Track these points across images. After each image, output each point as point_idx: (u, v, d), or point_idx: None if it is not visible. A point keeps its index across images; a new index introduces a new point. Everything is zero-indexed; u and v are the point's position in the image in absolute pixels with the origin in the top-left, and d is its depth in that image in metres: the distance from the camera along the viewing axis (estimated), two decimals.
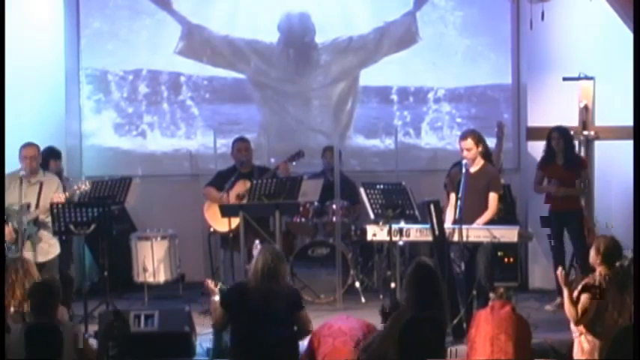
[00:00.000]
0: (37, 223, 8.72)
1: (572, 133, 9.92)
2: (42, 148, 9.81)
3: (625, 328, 5.45)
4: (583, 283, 7.15)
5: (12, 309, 6.80)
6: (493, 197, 8.77)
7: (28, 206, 8.68)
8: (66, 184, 9.43)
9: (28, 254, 8.40)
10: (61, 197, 8.72)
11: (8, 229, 8.61)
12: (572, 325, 7.18)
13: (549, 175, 9.81)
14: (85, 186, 8.94)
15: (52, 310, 6.55)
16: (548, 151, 9.84)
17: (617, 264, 7.13)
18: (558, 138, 9.76)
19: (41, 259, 8.56)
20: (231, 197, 9.82)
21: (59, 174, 9.69)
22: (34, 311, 6.46)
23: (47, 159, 9.83)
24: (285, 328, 6.83)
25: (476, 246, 8.60)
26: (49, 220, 8.72)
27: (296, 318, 6.91)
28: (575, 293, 7.09)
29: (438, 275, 6.93)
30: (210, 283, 7.26)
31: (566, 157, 9.77)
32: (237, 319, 6.84)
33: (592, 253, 7.25)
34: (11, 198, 8.66)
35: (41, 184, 8.77)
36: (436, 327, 5.45)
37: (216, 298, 7.12)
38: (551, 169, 9.80)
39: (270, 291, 6.78)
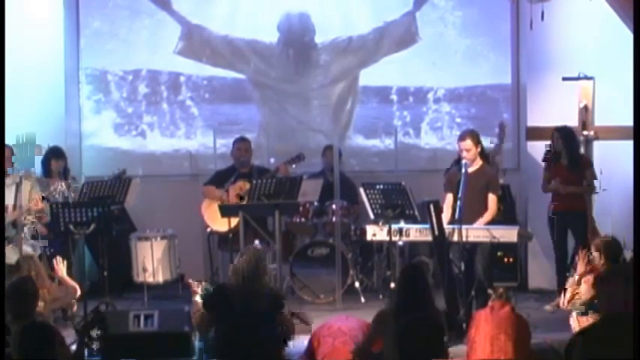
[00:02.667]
0: (16, 225, 8.69)
1: (574, 132, 9.91)
2: (44, 148, 9.85)
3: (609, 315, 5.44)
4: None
5: None
6: (492, 199, 8.77)
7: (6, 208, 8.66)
8: (72, 183, 9.44)
9: (10, 254, 8.45)
10: (38, 205, 8.69)
11: None
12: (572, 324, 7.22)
13: (554, 175, 9.79)
14: (62, 187, 8.92)
15: (32, 309, 6.54)
16: (553, 151, 9.83)
17: (621, 259, 7.14)
18: (558, 138, 9.76)
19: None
20: (231, 196, 9.81)
21: (64, 173, 9.71)
22: (11, 313, 6.40)
23: (48, 158, 9.86)
24: (268, 328, 6.82)
25: (474, 246, 8.59)
26: (29, 219, 8.72)
27: (278, 318, 6.91)
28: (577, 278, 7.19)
29: (425, 277, 6.92)
30: (193, 284, 7.25)
31: (570, 157, 9.74)
32: (219, 320, 6.85)
33: (594, 255, 7.25)
34: None
35: (17, 186, 8.71)
36: (435, 327, 5.44)
37: (197, 298, 7.12)
38: (555, 169, 9.78)
39: (251, 291, 6.78)
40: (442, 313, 7.01)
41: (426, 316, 5.87)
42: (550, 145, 9.88)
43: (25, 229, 8.76)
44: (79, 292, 7.86)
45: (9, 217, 8.67)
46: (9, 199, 8.68)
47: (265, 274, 7.01)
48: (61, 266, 7.85)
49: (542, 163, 10.04)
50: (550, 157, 9.86)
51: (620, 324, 5.09)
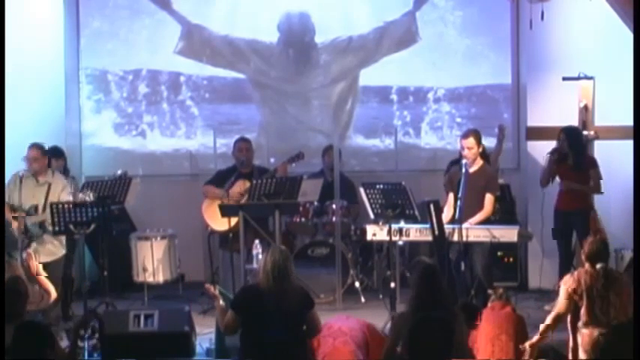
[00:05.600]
0: (43, 225, 8.73)
1: (580, 132, 9.88)
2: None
3: (617, 326, 5.44)
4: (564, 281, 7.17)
5: None
6: (489, 198, 8.76)
7: (36, 208, 8.72)
8: (72, 182, 9.46)
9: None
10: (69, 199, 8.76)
11: (16, 223, 8.69)
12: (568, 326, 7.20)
13: (560, 176, 9.78)
14: (90, 198, 8.97)
15: (22, 309, 6.54)
16: (560, 151, 9.80)
17: (599, 266, 7.08)
18: (563, 139, 9.74)
19: (45, 259, 8.58)
20: (234, 193, 9.79)
21: (63, 173, 9.72)
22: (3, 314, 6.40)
23: (48, 158, 9.85)
24: (296, 328, 6.81)
25: (474, 246, 8.58)
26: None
27: (307, 317, 6.89)
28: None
29: (436, 275, 6.92)
30: (211, 288, 7.23)
31: (575, 157, 9.73)
32: (249, 321, 6.82)
33: (582, 251, 7.27)
34: (13, 197, 8.71)
35: (49, 186, 8.80)
36: (445, 327, 5.45)
37: (221, 302, 7.09)
38: (561, 170, 9.77)
39: (282, 291, 6.76)
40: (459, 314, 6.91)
41: (436, 315, 5.86)
42: (557, 144, 9.84)
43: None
44: (53, 296, 7.83)
45: (37, 217, 8.71)
46: (40, 199, 8.72)
47: (293, 274, 6.98)
48: (34, 262, 7.83)
49: (543, 163, 10.02)
50: (557, 155, 9.79)
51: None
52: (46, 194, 8.76)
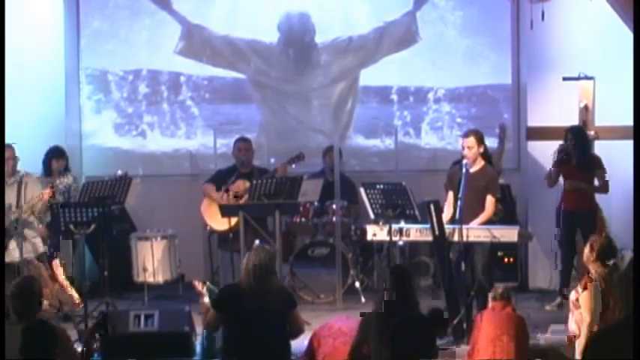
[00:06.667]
0: (19, 222, 8.72)
1: (585, 132, 9.89)
2: (44, 148, 9.86)
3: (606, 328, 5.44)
4: (582, 282, 7.14)
5: None
6: (490, 200, 8.73)
7: (9, 207, 8.70)
8: (73, 183, 9.46)
9: (12, 251, 8.54)
10: (47, 192, 8.73)
11: None
12: (570, 325, 7.17)
13: (564, 175, 9.78)
14: (68, 179, 8.93)
15: (36, 309, 6.54)
16: (565, 151, 9.79)
17: (611, 262, 7.11)
18: (571, 139, 9.74)
19: (26, 256, 8.59)
20: (230, 196, 9.79)
21: (65, 173, 9.73)
22: (17, 313, 6.39)
23: (49, 158, 9.87)
24: (278, 328, 6.81)
25: (474, 246, 8.57)
26: (32, 219, 8.78)
27: (289, 317, 6.90)
28: (575, 295, 7.11)
29: (409, 278, 6.91)
30: (198, 285, 7.24)
31: (580, 157, 9.72)
32: (230, 320, 6.82)
33: (586, 251, 7.23)
34: None
35: (19, 184, 8.76)
36: (426, 326, 5.46)
37: (206, 299, 7.10)
38: (565, 169, 9.77)
39: (263, 290, 6.77)
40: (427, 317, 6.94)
41: (419, 315, 5.87)
42: (563, 144, 9.83)
43: (35, 225, 8.81)
44: (77, 304, 7.84)
45: (12, 215, 8.71)
46: (11, 198, 8.71)
47: (275, 273, 6.99)
48: (60, 270, 7.85)
49: (544, 163, 10.02)
50: (563, 155, 9.79)
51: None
52: (17, 192, 8.72)
